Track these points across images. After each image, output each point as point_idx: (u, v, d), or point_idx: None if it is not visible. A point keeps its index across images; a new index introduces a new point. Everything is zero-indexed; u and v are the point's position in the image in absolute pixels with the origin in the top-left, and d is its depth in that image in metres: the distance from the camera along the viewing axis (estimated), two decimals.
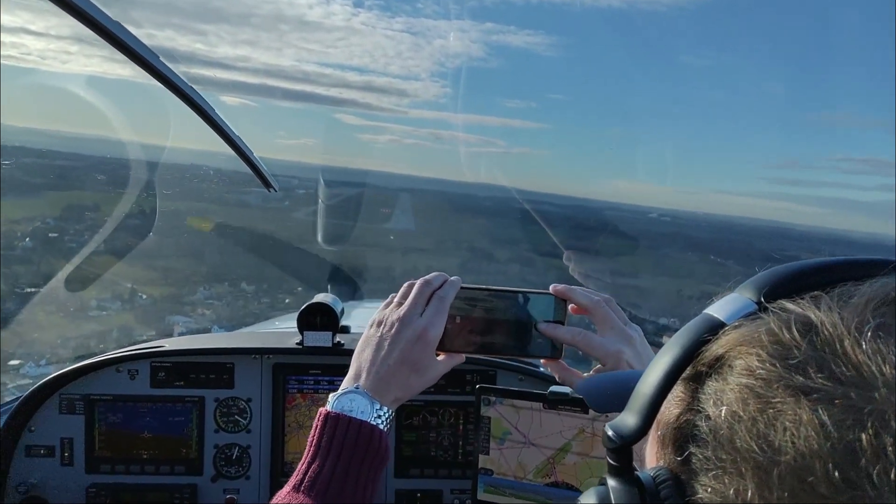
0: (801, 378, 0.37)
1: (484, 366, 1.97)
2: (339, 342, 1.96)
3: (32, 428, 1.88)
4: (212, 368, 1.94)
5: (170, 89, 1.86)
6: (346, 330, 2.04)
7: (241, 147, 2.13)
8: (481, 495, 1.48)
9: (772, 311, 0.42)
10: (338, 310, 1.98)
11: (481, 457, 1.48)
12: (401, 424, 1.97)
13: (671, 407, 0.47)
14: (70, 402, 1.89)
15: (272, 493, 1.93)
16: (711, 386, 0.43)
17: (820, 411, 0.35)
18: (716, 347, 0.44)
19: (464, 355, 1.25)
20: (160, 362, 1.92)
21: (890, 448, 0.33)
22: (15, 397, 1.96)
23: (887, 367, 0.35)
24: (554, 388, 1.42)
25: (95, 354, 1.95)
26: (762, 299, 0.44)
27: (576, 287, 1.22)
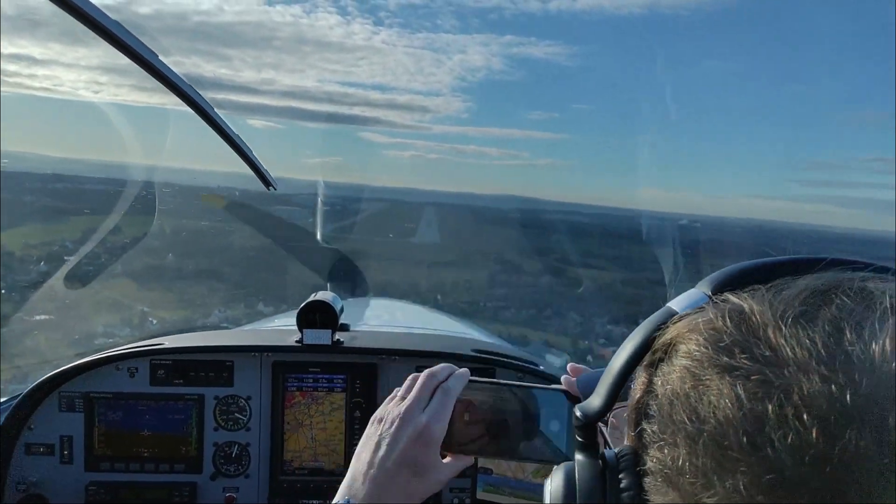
0: (726, 358, 0.42)
1: (483, 363, 1.95)
2: (338, 340, 1.96)
3: (32, 426, 1.89)
4: (211, 366, 1.94)
5: (169, 89, 1.87)
6: (345, 328, 2.03)
7: (240, 146, 2.13)
8: (480, 494, 1.46)
9: (713, 302, 0.49)
10: (337, 308, 1.97)
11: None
12: None
13: (636, 391, 0.51)
14: (70, 399, 1.89)
15: (271, 491, 1.92)
16: (662, 369, 0.48)
17: (737, 386, 0.40)
18: (667, 335, 0.50)
19: (472, 457, 1.13)
20: (160, 360, 1.92)
21: (791, 416, 0.37)
22: (14, 395, 1.97)
23: (799, 348, 0.40)
24: (554, 387, 1.39)
25: (96, 352, 1.96)
26: (711, 293, 0.51)
27: (591, 372, 1.11)
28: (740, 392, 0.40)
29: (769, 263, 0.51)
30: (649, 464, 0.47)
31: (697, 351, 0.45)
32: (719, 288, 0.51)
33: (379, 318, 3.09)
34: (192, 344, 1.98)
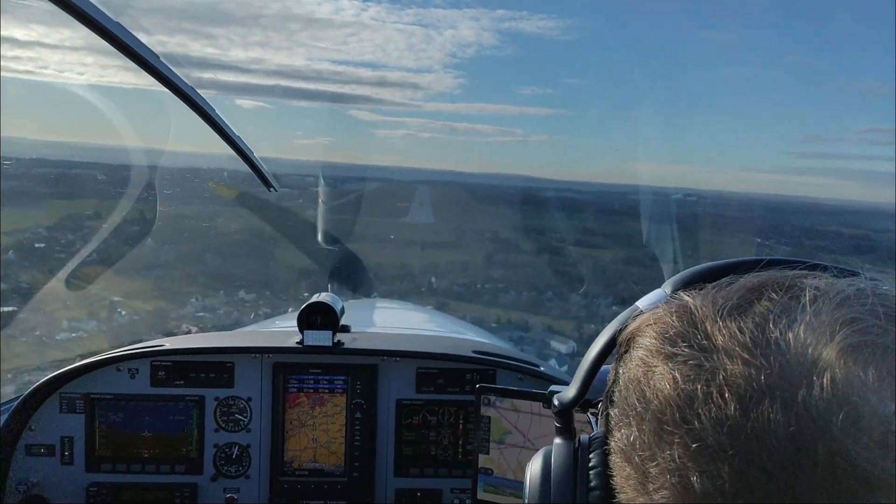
0: (670, 348, 0.49)
1: (484, 365, 1.96)
2: (339, 341, 1.96)
3: (33, 427, 1.89)
4: (212, 367, 1.94)
5: (171, 90, 1.86)
6: (346, 329, 2.04)
7: (241, 147, 2.13)
8: (481, 495, 1.47)
9: (669, 299, 0.56)
10: (338, 309, 1.97)
11: (481, 456, 1.48)
12: (401, 424, 1.97)
13: (608, 381, 0.57)
14: (70, 401, 1.90)
15: (272, 492, 1.93)
16: (624, 359, 0.55)
17: (675, 371, 0.47)
18: (629, 329, 0.56)
19: None
20: (160, 361, 1.92)
21: (714, 394, 0.44)
22: (15, 396, 1.97)
23: (729, 337, 0.46)
24: (554, 387, 1.40)
25: (95, 354, 1.96)
26: (671, 292, 0.58)
27: None
28: (677, 375, 0.46)
29: (721, 265, 0.58)
30: (612, 444, 0.54)
31: (649, 342, 0.51)
32: (678, 287, 0.58)
33: (380, 320, 3.10)
34: (193, 345, 1.98)
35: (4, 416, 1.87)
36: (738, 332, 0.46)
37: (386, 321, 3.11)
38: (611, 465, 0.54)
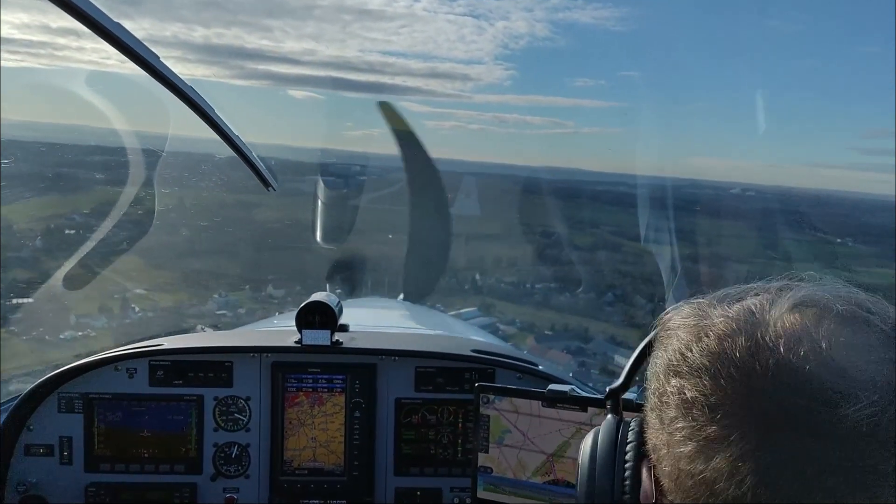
0: (682, 320, 0.66)
1: (483, 364, 1.97)
2: (337, 340, 1.96)
3: (31, 427, 1.89)
4: (210, 367, 1.94)
5: (170, 90, 1.86)
6: (344, 328, 2.04)
7: (239, 146, 2.13)
8: (481, 493, 1.48)
9: (689, 301, 0.70)
10: (336, 308, 1.97)
11: (480, 455, 1.48)
12: (400, 423, 1.97)
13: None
14: (69, 400, 1.89)
15: (272, 491, 1.93)
16: (655, 356, 0.70)
17: (682, 331, 0.65)
18: (659, 332, 0.71)
19: None
20: (159, 361, 1.92)
21: (703, 336, 0.62)
22: (14, 396, 1.96)
23: (720, 312, 0.64)
24: (553, 386, 1.41)
25: (94, 353, 1.96)
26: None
27: None
28: (682, 334, 0.65)
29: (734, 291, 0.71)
30: (646, 407, 0.69)
31: (670, 323, 0.68)
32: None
33: (378, 319, 3.10)
34: (191, 345, 1.98)
35: (3, 416, 1.87)
36: (727, 308, 0.64)
37: (384, 320, 3.11)
38: (645, 426, 0.70)
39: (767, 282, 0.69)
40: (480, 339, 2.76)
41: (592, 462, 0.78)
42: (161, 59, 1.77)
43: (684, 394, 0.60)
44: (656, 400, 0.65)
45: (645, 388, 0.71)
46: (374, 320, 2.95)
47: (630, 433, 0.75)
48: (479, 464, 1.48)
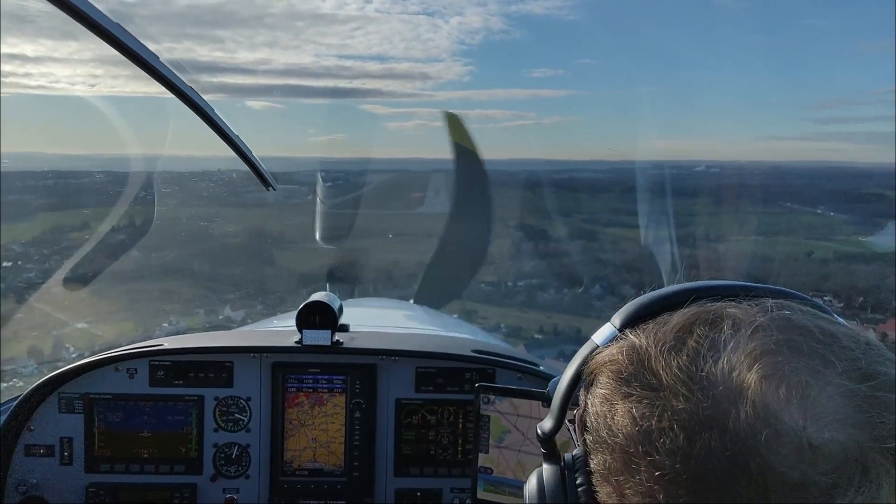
0: (625, 388, 0.59)
1: (483, 364, 1.97)
2: (337, 340, 1.97)
3: (32, 427, 1.89)
4: (211, 367, 1.94)
5: (171, 91, 1.86)
6: (344, 328, 2.04)
7: (240, 147, 2.14)
8: (481, 494, 1.48)
9: (618, 338, 0.65)
10: (336, 308, 1.98)
11: (481, 455, 1.48)
12: (400, 423, 1.97)
13: (580, 407, 0.67)
14: (69, 401, 1.89)
15: (272, 491, 1.93)
16: (591, 392, 0.65)
17: (633, 408, 0.57)
18: (592, 365, 0.66)
19: None
20: (159, 361, 1.92)
21: (667, 428, 0.54)
22: (14, 396, 1.96)
23: (671, 375, 0.56)
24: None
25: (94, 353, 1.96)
26: (620, 327, 0.67)
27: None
28: (635, 413, 0.57)
29: (658, 297, 0.68)
30: (593, 465, 0.63)
31: (608, 382, 0.61)
32: (625, 322, 0.67)
33: (378, 319, 3.10)
34: (192, 345, 1.98)
35: (3, 417, 1.87)
36: (677, 371, 0.56)
37: (384, 320, 3.11)
38: (593, 483, 0.64)
39: (691, 293, 0.65)
40: (481, 339, 2.76)
41: None
42: (161, 60, 1.76)
43: (656, 498, 0.54)
44: (613, 481, 0.59)
45: (582, 433, 0.66)
46: (374, 320, 2.95)
47: (581, 492, 0.66)
48: (480, 464, 1.48)
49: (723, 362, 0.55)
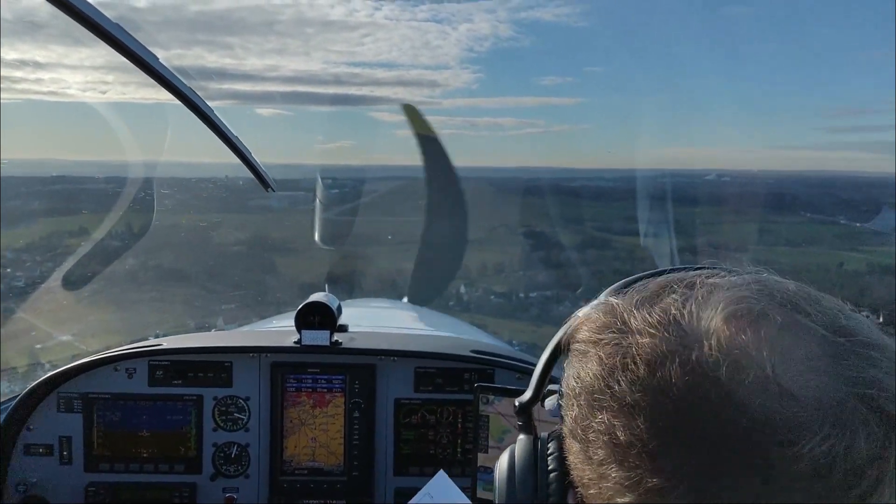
0: (597, 335, 0.59)
1: (482, 364, 1.96)
2: (336, 341, 1.97)
3: (31, 427, 1.89)
4: (210, 367, 1.94)
5: (169, 91, 1.87)
6: (343, 329, 2.04)
7: (240, 148, 2.14)
8: (481, 493, 1.47)
9: (601, 302, 0.65)
10: (335, 308, 1.98)
11: (480, 455, 1.48)
12: (400, 423, 1.97)
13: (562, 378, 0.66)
14: (68, 400, 1.90)
15: (271, 491, 1.93)
16: (568, 357, 0.64)
17: (601, 352, 0.58)
18: (570, 329, 0.66)
19: None
20: (158, 361, 1.93)
21: (629, 363, 0.54)
22: (13, 396, 1.97)
23: (641, 321, 0.56)
24: (552, 386, 1.41)
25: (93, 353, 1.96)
26: (606, 297, 0.67)
27: None
28: (602, 354, 0.57)
29: (646, 275, 0.69)
30: (564, 429, 0.63)
31: (583, 335, 0.62)
32: (612, 292, 0.67)
33: (377, 319, 3.10)
34: (191, 345, 1.98)
35: (2, 416, 1.87)
36: (647, 316, 0.56)
37: (384, 321, 3.11)
38: (565, 449, 0.63)
39: (680, 270, 0.65)
40: (480, 339, 2.75)
41: (511, 491, 0.70)
42: (160, 60, 1.77)
43: (615, 435, 0.53)
44: (580, 431, 0.58)
45: (559, 398, 0.65)
46: (373, 321, 2.95)
47: (550, 459, 0.66)
48: (479, 464, 1.47)
49: (693, 308, 0.55)
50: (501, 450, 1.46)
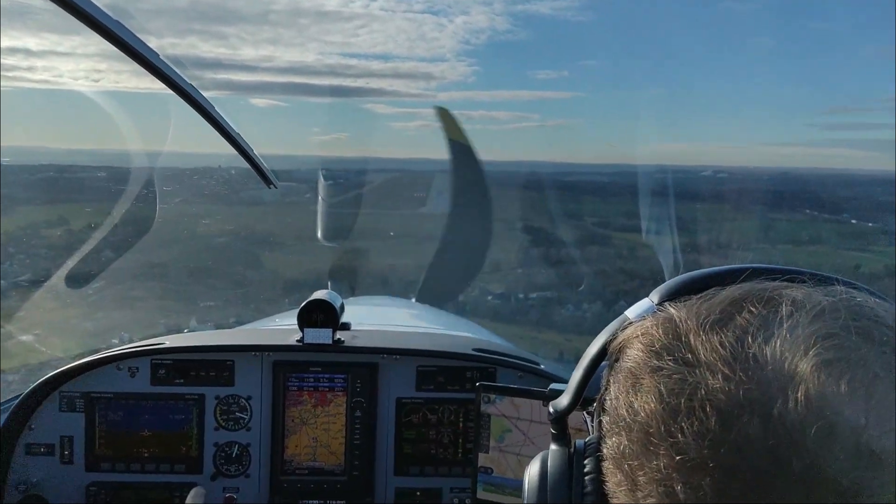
0: (656, 361, 0.50)
1: (484, 363, 1.96)
2: (339, 339, 1.96)
3: (32, 426, 1.88)
4: (212, 366, 1.94)
5: (171, 88, 1.86)
6: (346, 327, 2.04)
7: (240, 143, 2.13)
8: (481, 494, 1.47)
9: (655, 311, 0.57)
10: (338, 306, 1.97)
11: (481, 455, 1.48)
12: (401, 422, 1.96)
13: (602, 389, 0.59)
14: (70, 399, 1.89)
15: (272, 490, 1.93)
16: (615, 368, 0.57)
17: (661, 384, 0.49)
18: (619, 339, 0.58)
19: None
20: (160, 360, 1.92)
21: (697, 408, 0.45)
22: (15, 395, 1.96)
23: (711, 351, 0.48)
24: (554, 385, 1.41)
25: (96, 352, 1.96)
26: (658, 302, 0.59)
27: None
28: (662, 389, 0.49)
29: (706, 275, 0.60)
30: (605, 451, 0.56)
31: (637, 354, 0.53)
32: (665, 297, 0.59)
33: (380, 317, 3.10)
34: (193, 343, 1.98)
35: (4, 416, 1.87)
36: (719, 347, 0.47)
37: (386, 319, 3.11)
38: (604, 471, 0.57)
39: (749, 272, 0.57)
40: (482, 337, 2.75)
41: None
42: (161, 57, 1.76)
43: (673, 490, 0.46)
44: (627, 468, 0.51)
45: (597, 415, 0.59)
46: (376, 319, 2.95)
47: (588, 480, 0.59)
48: (480, 464, 1.47)
49: (775, 342, 0.46)
50: (502, 450, 1.47)
